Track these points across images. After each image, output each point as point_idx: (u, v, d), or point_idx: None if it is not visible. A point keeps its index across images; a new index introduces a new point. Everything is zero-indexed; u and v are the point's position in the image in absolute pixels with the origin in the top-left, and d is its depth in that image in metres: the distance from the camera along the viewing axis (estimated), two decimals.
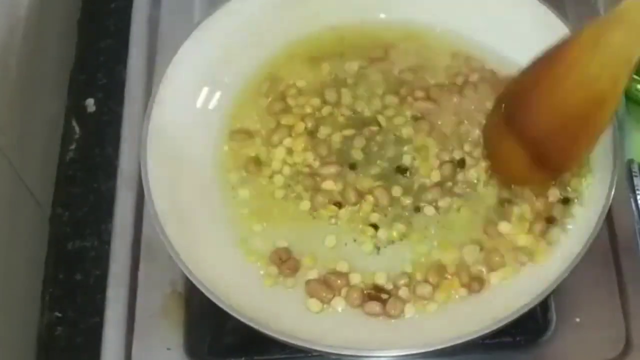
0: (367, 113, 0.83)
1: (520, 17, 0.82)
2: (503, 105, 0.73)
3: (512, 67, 0.83)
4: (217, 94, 0.84)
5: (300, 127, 0.83)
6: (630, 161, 0.84)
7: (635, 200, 0.82)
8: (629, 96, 0.88)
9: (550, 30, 0.80)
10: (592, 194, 0.75)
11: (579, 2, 0.91)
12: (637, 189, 0.83)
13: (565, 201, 0.77)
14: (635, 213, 0.82)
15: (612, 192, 0.73)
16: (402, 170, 0.80)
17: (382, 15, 0.87)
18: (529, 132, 0.70)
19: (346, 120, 0.83)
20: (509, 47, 0.83)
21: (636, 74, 0.88)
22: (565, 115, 0.67)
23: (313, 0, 0.86)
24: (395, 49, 0.86)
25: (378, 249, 0.77)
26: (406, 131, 0.82)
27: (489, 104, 0.80)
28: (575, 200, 0.77)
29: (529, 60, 0.82)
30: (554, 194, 0.77)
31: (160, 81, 0.80)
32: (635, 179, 0.83)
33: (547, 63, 0.69)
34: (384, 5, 0.87)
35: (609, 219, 0.79)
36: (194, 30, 0.82)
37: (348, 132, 0.82)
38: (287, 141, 0.82)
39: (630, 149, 0.85)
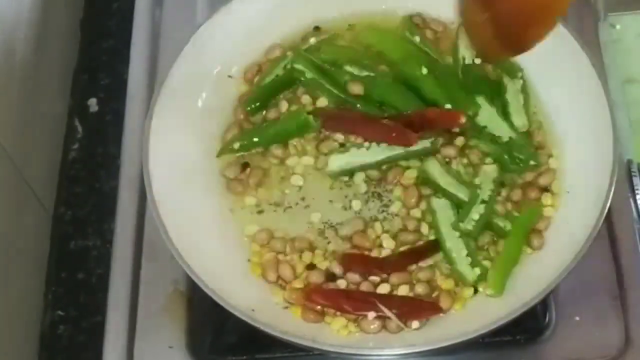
0: None
1: None
2: None
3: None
4: (219, 94, 0.84)
5: None
6: (630, 161, 0.84)
7: (635, 200, 0.83)
8: None
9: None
10: (592, 193, 0.75)
11: (579, 2, 0.92)
12: (637, 189, 0.83)
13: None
14: (635, 213, 0.82)
15: (612, 192, 0.73)
16: None
17: (383, 7, 0.88)
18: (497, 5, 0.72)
19: None
20: None
21: None
22: None
23: (314, 2, 0.86)
24: None
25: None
26: None
27: None
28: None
29: (529, 61, 0.83)
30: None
31: (162, 81, 0.80)
32: (634, 179, 0.83)
33: None
34: (384, 6, 0.87)
35: (608, 218, 0.80)
36: (196, 31, 0.82)
37: None
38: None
39: (630, 149, 0.85)
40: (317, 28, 0.86)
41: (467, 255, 0.75)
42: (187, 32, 0.83)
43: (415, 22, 0.86)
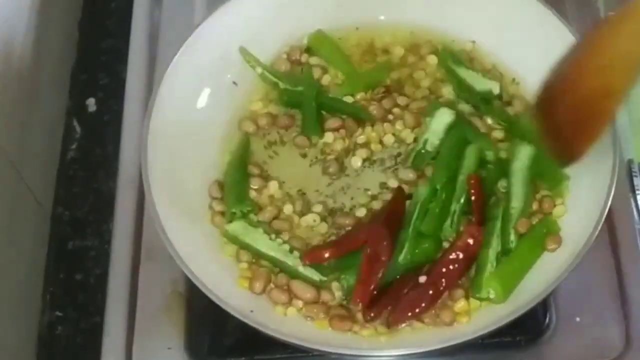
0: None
1: (521, 18, 0.82)
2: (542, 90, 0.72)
3: (512, 68, 0.84)
4: (218, 94, 0.84)
5: None
6: (630, 161, 0.84)
7: (635, 200, 0.82)
8: None
9: (549, 30, 0.80)
10: (592, 193, 0.75)
11: (579, 3, 0.91)
12: (637, 189, 0.83)
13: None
14: (635, 213, 0.82)
15: (612, 192, 0.73)
16: None
17: (382, 17, 0.87)
18: (548, 115, 0.70)
19: None
20: (509, 47, 0.83)
21: None
22: (576, 102, 0.67)
23: (313, 0, 0.86)
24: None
25: None
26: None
27: None
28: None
29: (529, 60, 0.82)
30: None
31: (161, 81, 0.80)
32: (635, 179, 0.83)
33: (574, 53, 0.69)
34: (383, 7, 0.87)
35: (609, 219, 0.79)
36: (194, 30, 0.82)
37: None
38: None
39: (630, 149, 0.85)
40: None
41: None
42: (186, 31, 0.82)
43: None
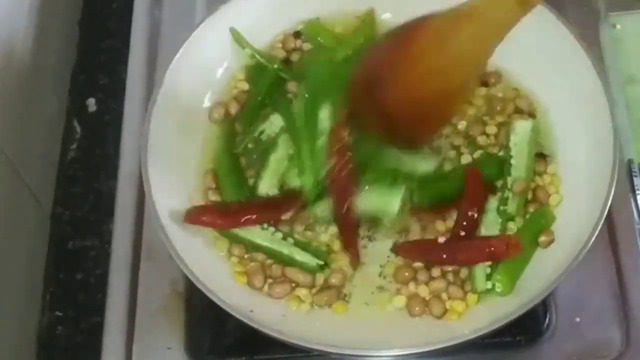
0: None
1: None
2: (363, 71, 0.71)
3: (511, 67, 0.84)
4: (218, 94, 0.84)
5: None
6: (630, 161, 0.84)
7: (635, 200, 0.82)
8: None
9: (549, 30, 0.80)
10: (592, 193, 0.75)
11: (579, 3, 0.91)
12: (637, 189, 0.83)
13: None
14: (635, 213, 0.82)
15: (612, 192, 0.73)
16: None
17: (387, 15, 0.87)
18: (383, 105, 0.68)
19: None
20: (508, 47, 0.83)
21: None
22: (414, 99, 0.66)
23: (312, 0, 0.86)
24: None
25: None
26: None
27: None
28: None
29: (529, 60, 0.82)
30: None
31: (161, 81, 0.80)
32: (635, 179, 0.83)
33: (402, 44, 0.67)
34: (387, 4, 0.87)
35: (609, 219, 0.79)
36: (195, 30, 0.82)
37: None
38: None
39: (630, 149, 0.85)
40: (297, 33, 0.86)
41: (489, 265, 0.75)
42: (186, 32, 0.82)
43: None
